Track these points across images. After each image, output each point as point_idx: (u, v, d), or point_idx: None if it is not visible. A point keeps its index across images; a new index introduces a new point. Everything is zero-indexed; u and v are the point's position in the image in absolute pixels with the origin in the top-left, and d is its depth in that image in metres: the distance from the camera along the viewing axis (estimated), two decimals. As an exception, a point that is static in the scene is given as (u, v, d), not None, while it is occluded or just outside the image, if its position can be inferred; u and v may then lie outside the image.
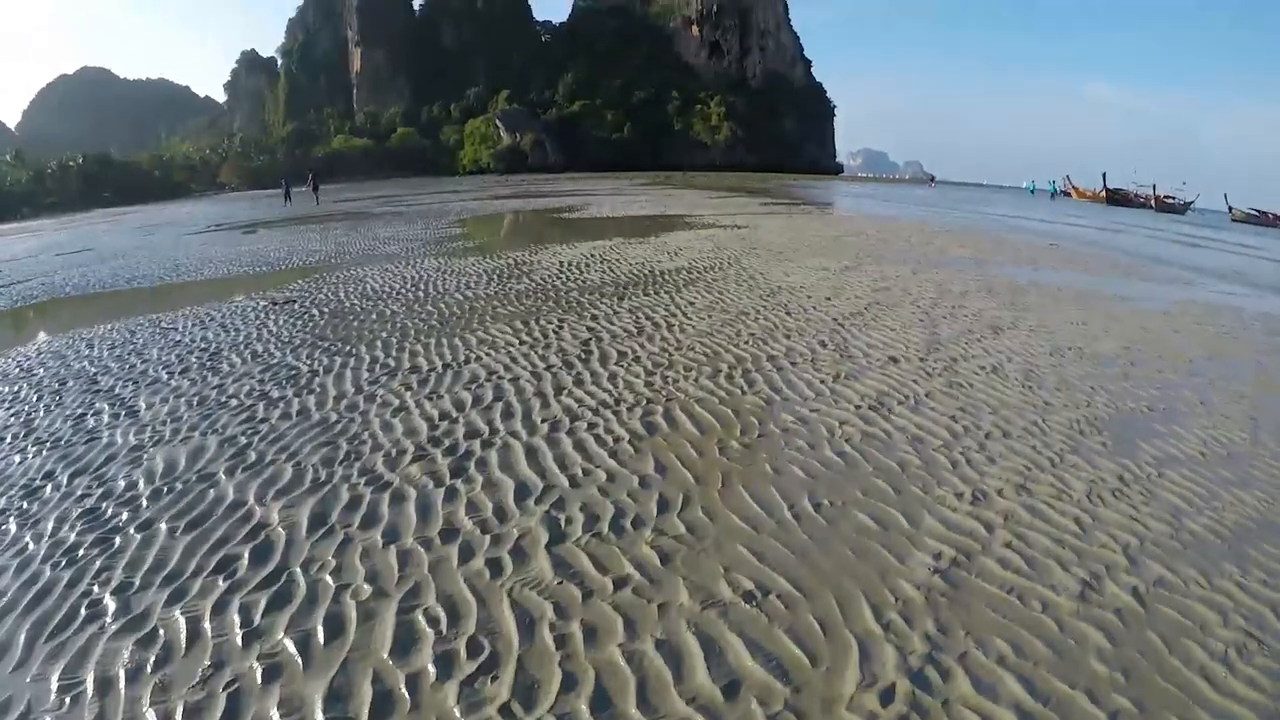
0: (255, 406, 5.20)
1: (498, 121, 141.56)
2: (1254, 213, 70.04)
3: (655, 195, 34.03)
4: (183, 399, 5.50)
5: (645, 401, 5.01)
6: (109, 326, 8.51)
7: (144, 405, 5.42)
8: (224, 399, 5.43)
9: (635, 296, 8.60)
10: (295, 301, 9.19)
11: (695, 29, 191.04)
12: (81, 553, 3.40)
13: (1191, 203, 76.04)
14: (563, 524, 3.48)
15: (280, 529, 3.52)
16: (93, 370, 6.55)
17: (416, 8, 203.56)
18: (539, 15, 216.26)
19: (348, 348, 6.65)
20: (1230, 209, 72.41)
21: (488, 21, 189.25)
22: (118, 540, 3.50)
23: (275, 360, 6.40)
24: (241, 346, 7.00)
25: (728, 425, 4.62)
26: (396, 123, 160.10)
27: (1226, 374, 6.39)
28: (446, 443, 4.40)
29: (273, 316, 8.33)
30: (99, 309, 10.23)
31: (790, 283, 9.56)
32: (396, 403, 5.09)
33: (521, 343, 6.50)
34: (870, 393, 5.25)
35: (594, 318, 7.47)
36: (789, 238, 14.77)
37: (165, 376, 6.15)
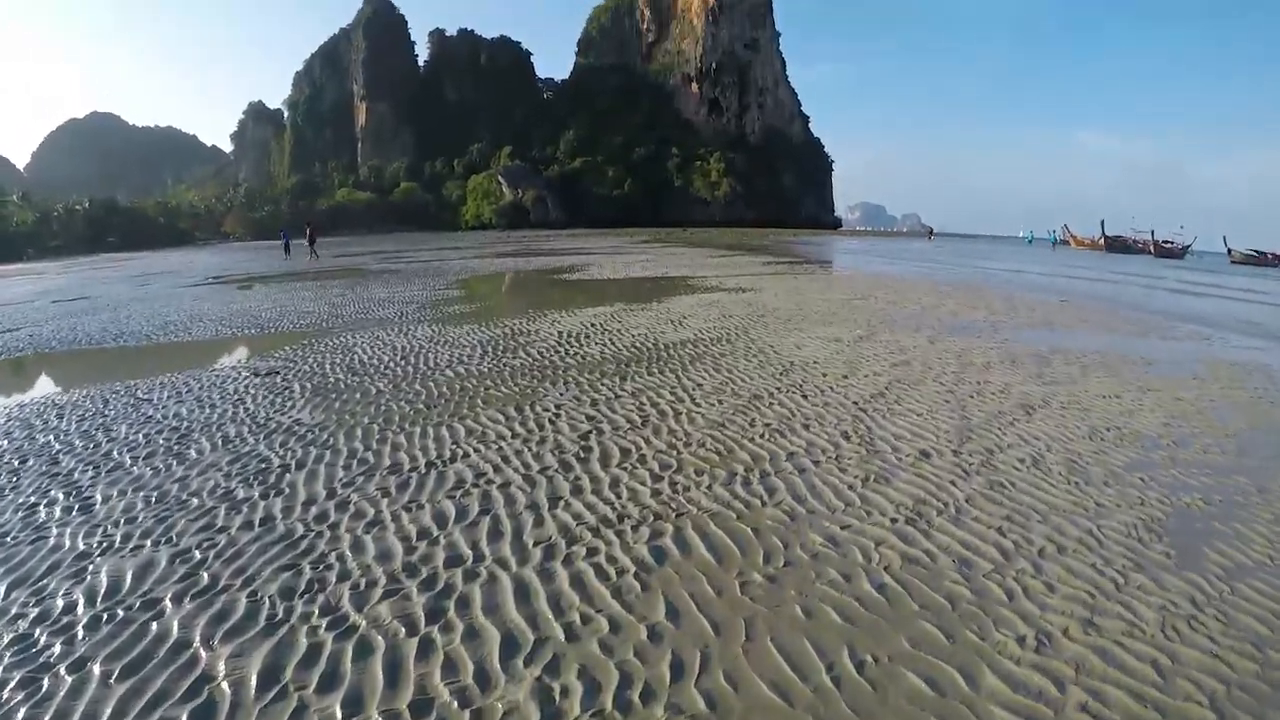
0: (216, 510, 4.61)
1: (500, 177, 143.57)
2: (1253, 254, 70.78)
3: (656, 254, 33.81)
4: (141, 493, 4.93)
5: (652, 518, 4.39)
6: (84, 392, 8.11)
7: (100, 498, 4.88)
8: (185, 496, 4.86)
9: (639, 376, 8.02)
10: (278, 373, 8.66)
11: (695, 86, 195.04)
12: (5, 695, 2.87)
13: (1189, 246, 76.81)
14: (557, 696, 2.85)
15: (225, 685, 2.93)
16: (57, 447, 6.05)
17: (421, 64, 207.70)
18: (541, 72, 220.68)
19: (325, 435, 6.07)
20: (1229, 251, 73.29)
21: (491, 78, 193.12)
22: (46, 683, 2.96)
23: (246, 449, 5.83)
24: (213, 428, 6.45)
25: (748, 551, 4.02)
26: (400, 177, 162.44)
27: (1276, 450, 5.92)
28: (424, 572, 3.79)
29: (251, 391, 7.79)
30: (79, 369, 9.93)
31: (803, 357, 9.02)
32: (371, 513, 4.49)
33: (514, 435, 5.89)
34: (905, 500, 4.66)
35: (594, 403, 6.86)
36: (796, 302, 14.30)
37: (129, 461, 5.62)
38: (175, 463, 5.55)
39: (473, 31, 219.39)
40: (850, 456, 5.44)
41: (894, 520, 4.38)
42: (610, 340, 10.21)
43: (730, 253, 36.90)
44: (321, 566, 3.87)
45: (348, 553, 4.00)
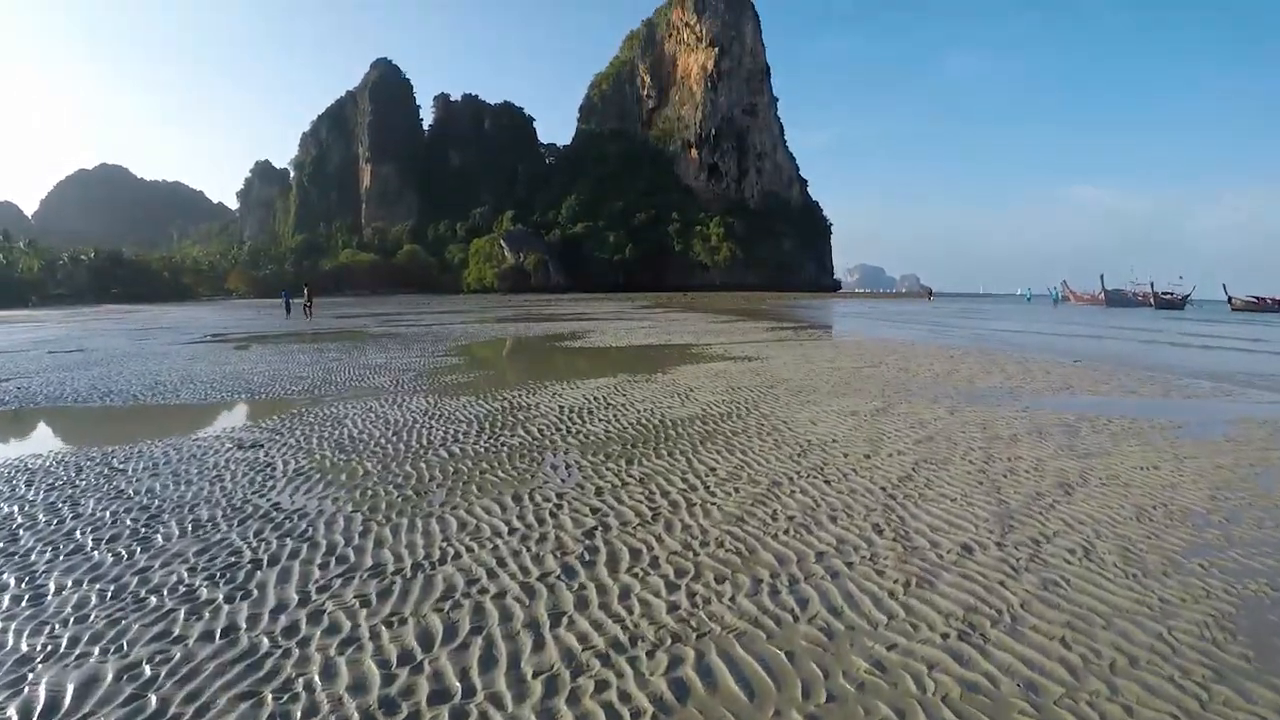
0: (175, 614, 4.05)
1: (502, 241, 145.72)
2: (1253, 300, 72.26)
3: (658, 320, 33.59)
4: (98, 585, 4.41)
5: (669, 640, 3.78)
6: (59, 457, 7.73)
7: (54, 588, 4.36)
8: (143, 594, 4.31)
9: (646, 458, 7.40)
10: (261, 446, 8.16)
11: (694, 152, 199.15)
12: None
13: (1188, 296, 78.19)
14: None
15: None
16: (18, 521, 5.59)
17: (425, 128, 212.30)
18: (543, 138, 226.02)
19: (304, 525, 5.51)
20: (1229, 299, 74.97)
21: (494, 143, 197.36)
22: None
23: (217, 537, 5.27)
24: (186, 509, 5.91)
25: (784, 682, 3.42)
26: (403, 239, 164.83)
27: (1331, 516, 5.49)
28: (404, 709, 3.18)
29: (232, 467, 7.26)
30: (60, 429, 9.65)
31: (820, 434, 8.48)
32: (347, 627, 3.91)
33: (511, 530, 5.29)
34: (955, 609, 4.10)
35: (599, 491, 6.24)
36: (805, 372, 13.81)
37: (91, 544, 5.11)
38: (139, 549, 5.01)
39: (476, 97, 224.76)
40: (886, 555, 4.88)
41: (945, 636, 3.82)
42: (615, 416, 9.65)
43: (733, 318, 36.68)
44: (286, 697, 3.28)
45: (317, 680, 3.42)
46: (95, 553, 4.96)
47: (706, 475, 6.69)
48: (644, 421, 9.21)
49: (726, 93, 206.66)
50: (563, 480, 6.58)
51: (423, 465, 7.12)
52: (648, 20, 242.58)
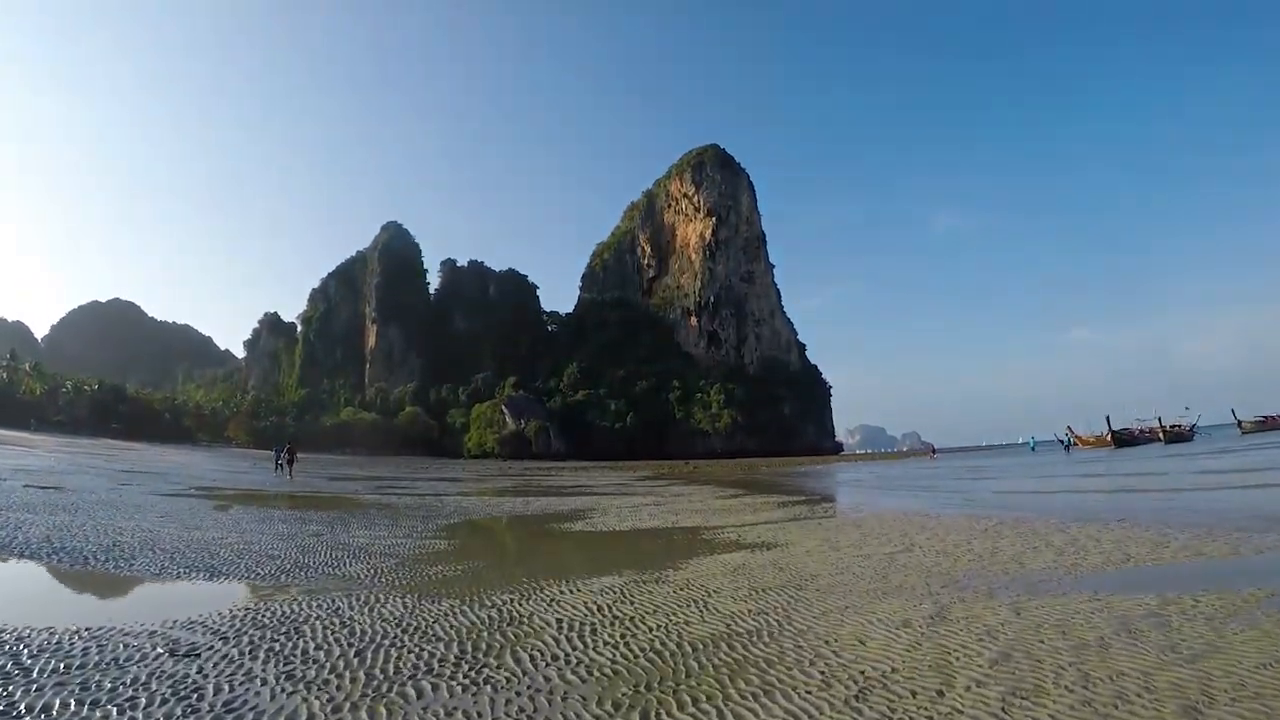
0: None
1: (504, 407, 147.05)
2: (1261, 420, 73.14)
3: (662, 496, 32.11)
4: None
5: None
6: None
7: None
8: None
9: (666, 711, 5.56)
10: (198, 656, 6.74)
11: (694, 319, 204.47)
12: None
13: (1195, 425, 78.68)
14: None
15: None
16: None
17: (432, 292, 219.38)
18: (546, 305, 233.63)
19: (212, 808, 4.05)
20: (1239, 422, 75.59)
21: (498, 309, 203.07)
22: None
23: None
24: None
25: None
26: (405, 401, 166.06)
27: None
28: None
29: (153, 683, 5.91)
30: None
31: (873, 661, 6.71)
32: None
33: None
34: None
35: None
36: (833, 563, 12.22)
37: None
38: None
39: (482, 263, 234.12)
40: None
41: None
42: (623, 637, 7.66)
43: (739, 492, 35.12)
44: None
45: None
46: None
47: (747, 743, 5.08)
48: (658, 646, 7.32)
49: (724, 261, 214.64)
50: (561, 749, 4.97)
51: (382, 711, 5.58)
52: (648, 191, 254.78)
